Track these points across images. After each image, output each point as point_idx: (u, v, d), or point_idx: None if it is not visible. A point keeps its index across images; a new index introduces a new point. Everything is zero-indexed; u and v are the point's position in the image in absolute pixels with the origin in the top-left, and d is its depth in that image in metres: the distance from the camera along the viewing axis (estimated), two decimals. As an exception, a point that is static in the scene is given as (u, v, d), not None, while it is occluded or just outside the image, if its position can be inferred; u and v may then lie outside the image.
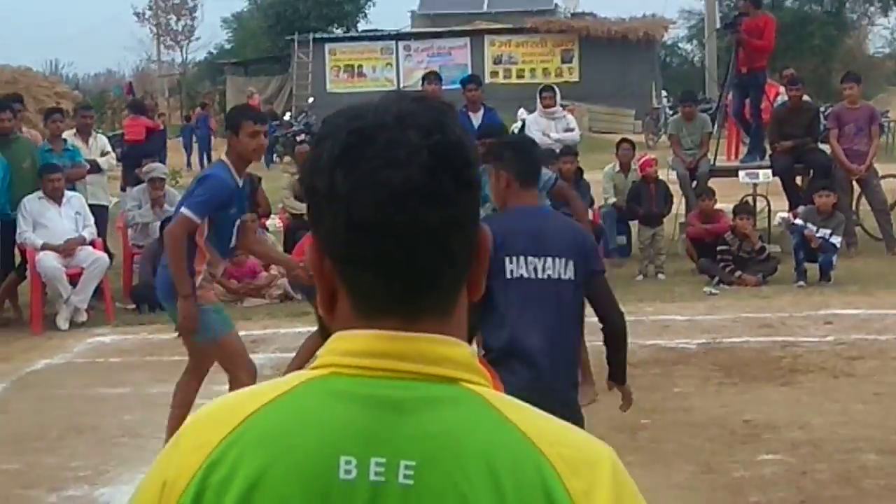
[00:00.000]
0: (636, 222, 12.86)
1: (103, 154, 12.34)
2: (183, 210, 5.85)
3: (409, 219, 1.19)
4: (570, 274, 4.40)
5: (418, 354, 1.22)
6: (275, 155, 26.37)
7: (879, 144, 14.03)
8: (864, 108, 13.49)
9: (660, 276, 12.05)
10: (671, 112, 25.76)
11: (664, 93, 34.29)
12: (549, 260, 4.38)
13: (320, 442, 1.19)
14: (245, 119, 6.00)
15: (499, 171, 4.53)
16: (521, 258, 4.37)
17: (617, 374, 4.67)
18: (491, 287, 4.18)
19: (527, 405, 1.26)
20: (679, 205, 13.27)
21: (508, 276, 4.34)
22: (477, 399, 1.22)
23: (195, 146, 29.97)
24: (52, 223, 10.62)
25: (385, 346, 1.22)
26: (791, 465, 6.10)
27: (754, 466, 6.11)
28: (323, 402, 1.22)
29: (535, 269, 4.37)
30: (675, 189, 13.30)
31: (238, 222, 6.13)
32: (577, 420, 4.16)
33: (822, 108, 15.40)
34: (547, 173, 6.95)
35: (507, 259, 4.34)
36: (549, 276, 4.38)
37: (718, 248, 11.64)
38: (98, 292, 10.90)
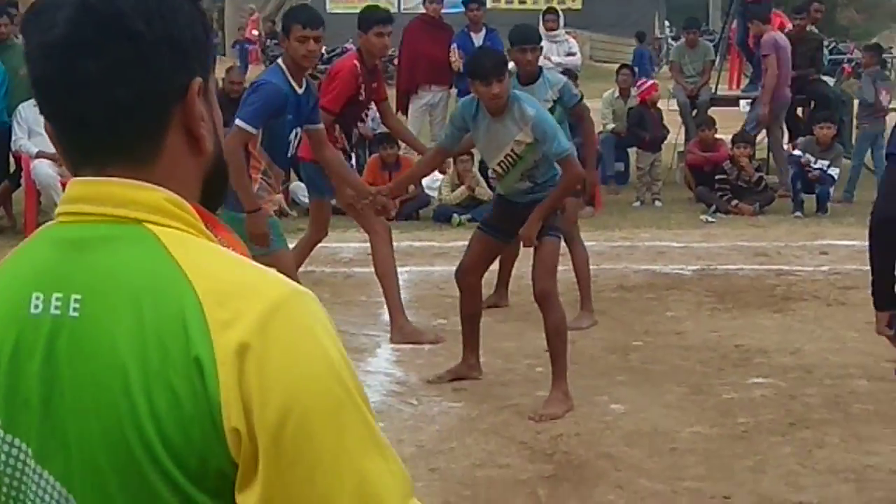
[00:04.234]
0: (633, 149, 12.78)
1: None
2: (237, 121, 5.46)
3: (65, 71, 1.28)
4: None
5: (105, 197, 1.30)
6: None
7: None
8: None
9: (657, 203, 12.02)
10: (673, 43, 25.52)
11: (667, 23, 33.95)
12: None
13: (21, 280, 1.32)
14: (294, 22, 5.67)
15: None
16: None
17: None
18: None
19: (215, 248, 1.31)
20: (678, 133, 13.18)
21: None
22: (150, 238, 1.29)
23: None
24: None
25: (78, 192, 1.32)
26: (781, 389, 6.13)
27: (744, 389, 6.14)
28: (34, 246, 1.35)
29: None
30: (674, 118, 13.20)
31: (298, 131, 5.77)
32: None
33: (826, 42, 15.30)
34: (574, 90, 7.07)
35: None
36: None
37: (717, 176, 11.60)
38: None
